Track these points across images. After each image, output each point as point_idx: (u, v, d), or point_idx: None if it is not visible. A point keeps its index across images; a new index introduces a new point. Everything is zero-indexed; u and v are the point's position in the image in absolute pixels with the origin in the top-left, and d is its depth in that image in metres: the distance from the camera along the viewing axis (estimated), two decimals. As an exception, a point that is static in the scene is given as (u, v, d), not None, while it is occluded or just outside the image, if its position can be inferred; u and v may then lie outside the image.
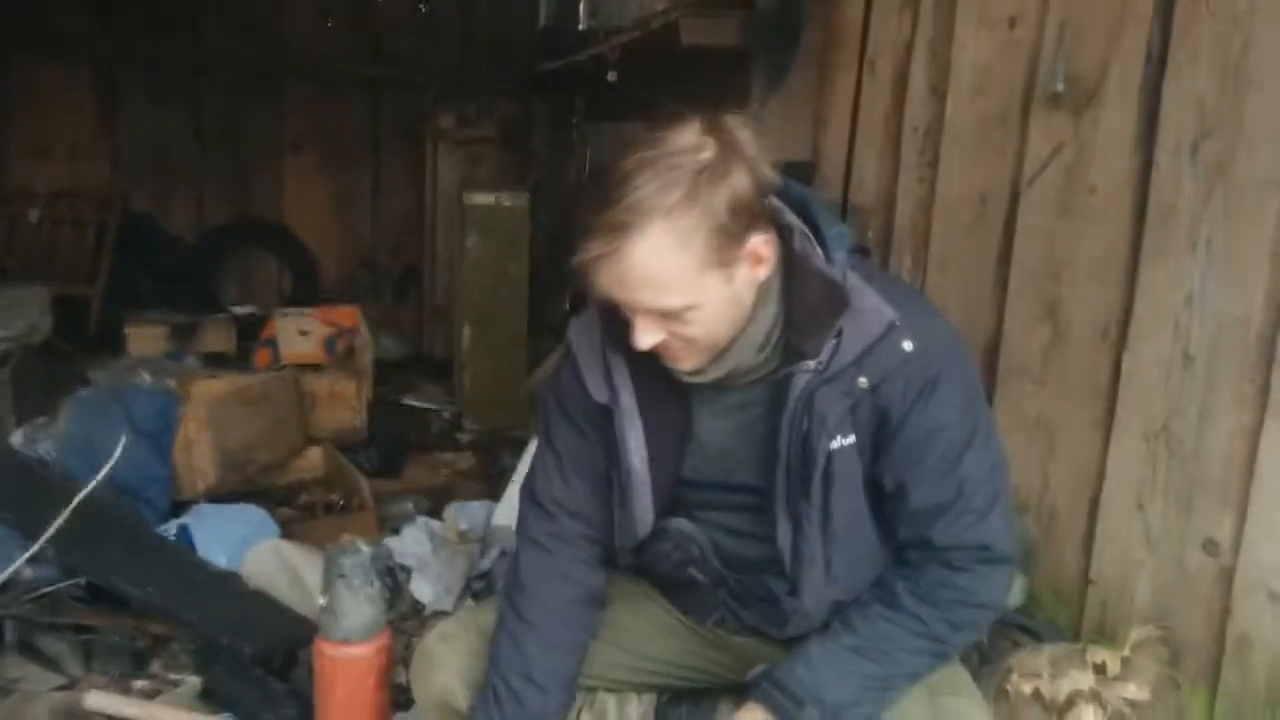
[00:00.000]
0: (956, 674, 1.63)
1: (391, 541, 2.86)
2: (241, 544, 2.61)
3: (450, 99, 5.38)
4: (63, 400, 3.08)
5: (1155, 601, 2.25)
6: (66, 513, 2.21)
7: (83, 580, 2.32)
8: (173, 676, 2.22)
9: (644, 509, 1.53)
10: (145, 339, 4.65)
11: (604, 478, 1.57)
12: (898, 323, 1.37)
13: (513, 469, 3.18)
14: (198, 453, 2.93)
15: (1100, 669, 2.03)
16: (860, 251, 1.46)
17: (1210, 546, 2.12)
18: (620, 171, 1.28)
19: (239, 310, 5.34)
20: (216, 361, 4.44)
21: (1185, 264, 2.12)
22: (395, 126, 5.89)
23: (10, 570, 2.17)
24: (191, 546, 2.63)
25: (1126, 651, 2.07)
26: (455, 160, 5.19)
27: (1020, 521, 2.54)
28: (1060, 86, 2.36)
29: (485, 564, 2.82)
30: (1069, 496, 2.47)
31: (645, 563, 1.64)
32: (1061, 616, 2.50)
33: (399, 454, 3.86)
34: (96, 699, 2.02)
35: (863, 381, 1.39)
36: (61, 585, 2.29)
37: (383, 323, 5.06)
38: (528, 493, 1.64)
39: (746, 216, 1.29)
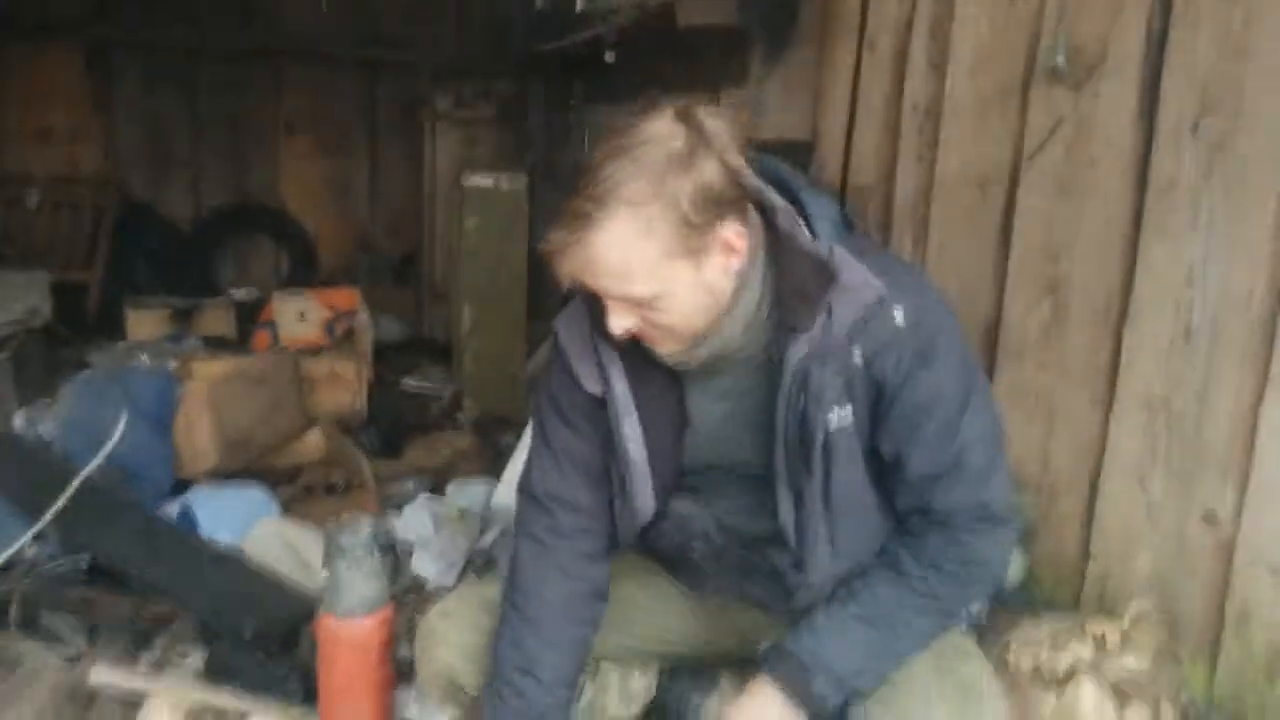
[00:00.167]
0: (963, 640, 1.64)
1: (393, 520, 2.87)
2: (243, 523, 2.62)
3: (447, 81, 5.36)
4: (63, 382, 3.08)
5: (1155, 576, 2.26)
6: (70, 491, 2.21)
7: (85, 559, 2.33)
8: (176, 654, 2.22)
9: (645, 498, 1.54)
10: (145, 322, 4.65)
11: (602, 471, 1.57)
12: (886, 295, 1.38)
13: (512, 449, 3.18)
14: (198, 433, 2.94)
15: (1100, 642, 2.04)
16: (846, 225, 1.45)
17: (1211, 521, 2.13)
18: (591, 160, 1.30)
19: (238, 294, 5.33)
20: (216, 345, 4.43)
21: (1186, 240, 2.12)
22: (392, 108, 5.87)
23: (13, 549, 2.18)
24: (193, 526, 2.63)
25: (1126, 624, 2.08)
26: (452, 142, 5.18)
27: (1020, 499, 2.55)
28: (1061, 61, 2.36)
29: (486, 541, 2.82)
30: (1069, 474, 2.48)
31: (647, 542, 1.64)
32: (1061, 593, 2.51)
33: (399, 435, 3.86)
34: (101, 674, 2.03)
35: (856, 356, 1.39)
36: (64, 564, 2.29)
37: (382, 306, 5.05)
38: (525, 488, 1.63)
39: (714, 206, 1.29)
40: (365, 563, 1.77)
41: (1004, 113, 2.57)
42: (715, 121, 1.29)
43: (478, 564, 2.75)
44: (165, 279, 5.43)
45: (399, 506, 2.99)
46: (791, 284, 1.39)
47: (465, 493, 3.11)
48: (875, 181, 3.08)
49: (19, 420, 3.03)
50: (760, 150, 1.44)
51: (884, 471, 1.50)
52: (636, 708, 1.83)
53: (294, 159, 5.91)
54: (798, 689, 1.48)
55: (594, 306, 1.47)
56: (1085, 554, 2.44)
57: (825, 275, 1.37)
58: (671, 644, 1.79)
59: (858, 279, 1.38)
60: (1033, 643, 2.09)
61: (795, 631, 1.52)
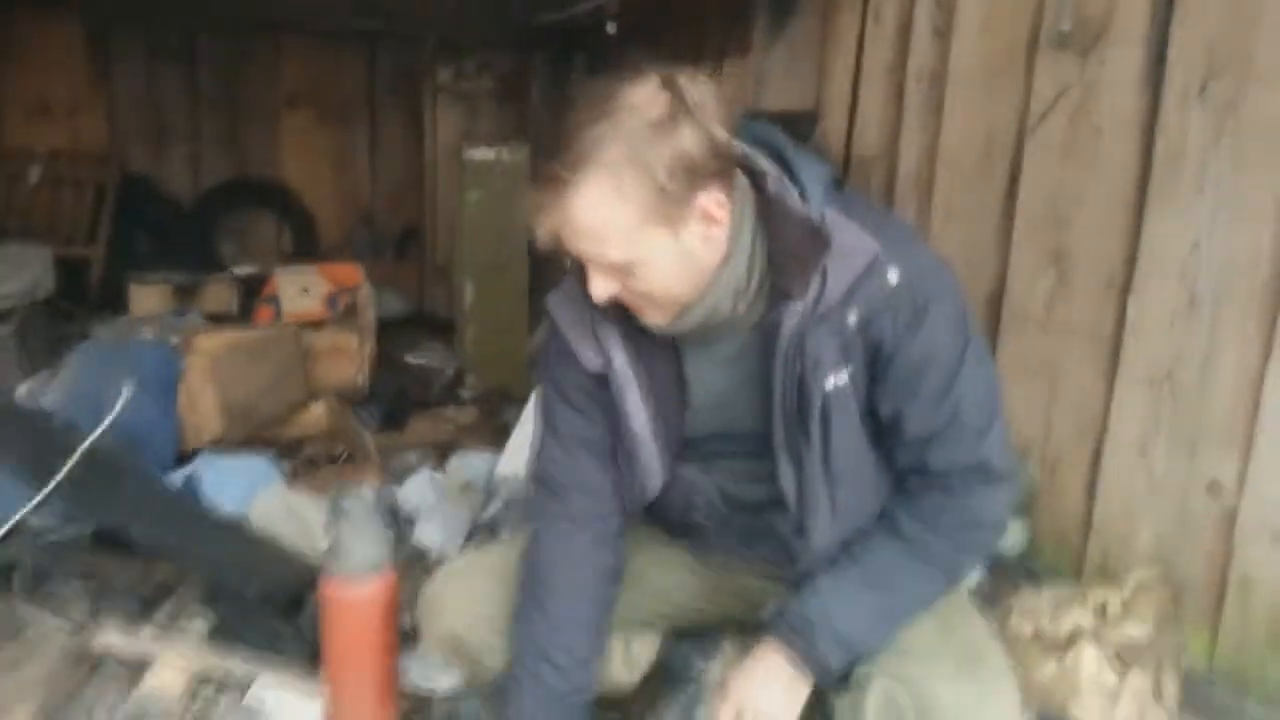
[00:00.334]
0: (966, 601, 1.64)
1: (396, 491, 2.88)
2: (247, 492, 2.62)
3: (447, 54, 5.32)
4: (66, 355, 3.08)
5: (1157, 545, 2.27)
6: (75, 458, 2.21)
7: (90, 527, 2.33)
8: (181, 620, 2.23)
9: (651, 470, 1.54)
10: (148, 297, 4.65)
11: (610, 450, 1.56)
12: (881, 255, 1.36)
13: (515, 423, 3.18)
14: (202, 403, 2.93)
15: (1101, 610, 2.04)
16: (836, 185, 1.44)
17: (1214, 489, 2.14)
18: (571, 123, 1.29)
19: (240, 270, 5.32)
20: (218, 320, 4.43)
21: (1192, 207, 2.12)
22: (392, 82, 5.84)
23: (18, 516, 2.18)
24: (197, 495, 2.63)
25: (1127, 592, 2.08)
26: (453, 115, 5.16)
27: (1023, 468, 2.55)
28: (1067, 26, 2.34)
29: (489, 513, 2.83)
30: (1072, 443, 2.48)
31: (651, 509, 1.64)
32: (1063, 562, 2.52)
33: (402, 409, 3.85)
34: (106, 639, 2.04)
35: (852, 318, 1.38)
36: (69, 531, 2.30)
37: (384, 281, 5.03)
38: (536, 477, 1.63)
39: (691, 175, 1.27)
40: (368, 526, 1.77)
41: (1009, 80, 2.56)
42: (698, 90, 1.28)
43: (480, 535, 2.75)
44: (167, 255, 5.42)
45: (402, 479, 2.99)
46: (784, 249, 1.38)
47: (468, 465, 3.11)
48: (879, 151, 3.07)
49: (22, 392, 3.03)
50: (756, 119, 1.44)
51: (882, 433, 1.49)
52: (639, 673, 1.83)
53: (294, 133, 5.89)
54: (802, 652, 1.48)
55: (585, 281, 1.47)
56: (1087, 524, 2.45)
57: (818, 239, 1.36)
58: (675, 609, 1.79)
59: (851, 241, 1.36)
60: (1034, 610, 2.10)
61: (799, 595, 1.51)
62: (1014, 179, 2.58)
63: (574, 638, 1.57)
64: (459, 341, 4.55)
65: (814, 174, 1.41)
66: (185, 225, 5.68)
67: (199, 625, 2.18)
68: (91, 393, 2.70)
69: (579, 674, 1.58)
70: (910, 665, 1.48)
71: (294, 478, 2.98)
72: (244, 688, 2.03)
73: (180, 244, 5.54)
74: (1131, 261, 2.26)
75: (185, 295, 4.80)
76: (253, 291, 4.74)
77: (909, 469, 1.49)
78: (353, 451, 3.27)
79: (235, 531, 2.46)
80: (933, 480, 1.47)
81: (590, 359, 1.50)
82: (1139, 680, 1.97)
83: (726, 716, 1.53)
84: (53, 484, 2.19)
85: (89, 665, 2.06)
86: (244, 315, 4.69)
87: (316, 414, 3.46)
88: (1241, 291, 2.03)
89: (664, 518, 1.68)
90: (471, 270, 4.33)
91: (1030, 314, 2.55)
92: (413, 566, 2.53)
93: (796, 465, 1.47)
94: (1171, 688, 2.00)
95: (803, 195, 1.38)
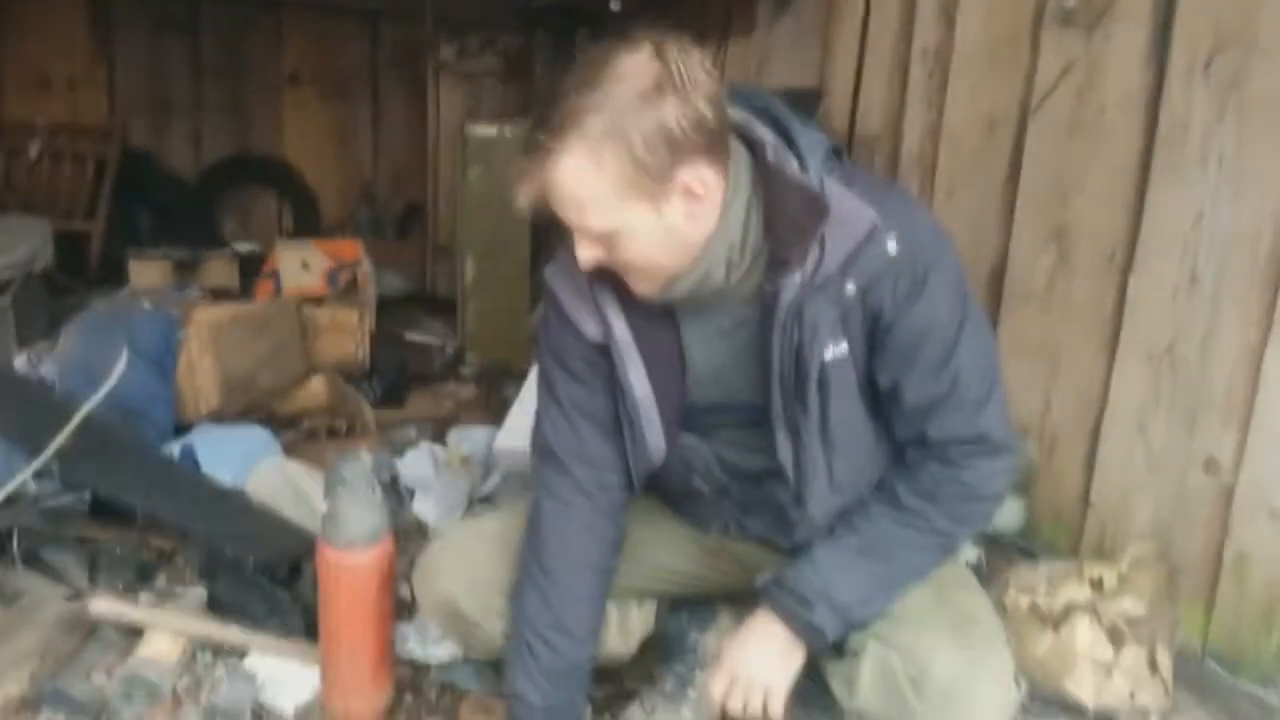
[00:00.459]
0: (962, 571, 1.64)
1: (396, 462, 2.87)
2: (245, 463, 2.61)
3: (451, 30, 5.29)
4: (64, 325, 3.08)
5: (1155, 522, 2.27)
6: (73, 424, 2.21)
7: (87, 495, 2.33)
8: (177, 589, 2.23)
9: (655, 437, 1.53)
10: (148, 273, 4.64)
11: (612, 420, 1.56)
12: (879, 224, 1.36)
13: (515, 398, 3.18)
14: (201, 374, 2.93)
15: (1097, 584, 2.04)
16: (836, 154, 1.44)
17: (1211, 466, 2.14)
18: (560, 90, 1.29)
19: (241, 247, 5.30)
20: (219, 295, 4.42)
21: (1195, 183, 2.11)
22: (395, 59, 5.81)
23: (15, 483, 2.18)
24: (195, 465, 2.63)
25: (1124, 568, 2.08)
26: (457, 94, 5.14)
27: (1022, 446, 2.55)
28: (1072, 3, 2.34)
29: (487, 487, 2.83)
30: (1071, 420, 2.48)
31: (651, 477, 1.63)
32: (1061, 539, 2.53)
33: (402, 385, 3.85)
34: (101, 606, 2.03)
35: (850, 288, 1.38)
36: (66, 499, 2.30)
37: (385, 260, 5.02)
38: (539, 447, 1.62)
39: (673, 150, 1.26)
40: (366, 494, 1.77)
41: (1014, 57, 2.55)
42: (689, 62, 1.26)
43: (479, 508, 2.76)
44: (168, 231, 5.41)
45: (401, 452, 2.98)
46: (782, 218, 1.37)
47: (467, 438, 3.11)
48: (883, 129, 3.06)
49: (20, 362, 3.03)
50: None
51: (881, 404, 1.49)
52: (635, 643, 1.84)
53: (296, 110, 5.87)
54: (797, 621, 1.48)
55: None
56: (1085, 501, 2.45)
57: (816, 208, 1.35)
58: (672, 579, 1.79)
59: (849, 210, 1.36)
60: (1030, 584, 2.10)
61: (795, 564, 1.52)
62: (1017, 157, 2.57)
63: (575, 608, 1.58)
64: (460, 317, 4.54)
65: (813, 143, 1.40)
66: (187, 201, 5.66)
67: (196, 594, 2.18)
68: (89, 362, 2.70)
69: (580, 644, 1.59)
70: (905, 633, 1.48)
71: (293, 450, 2.97)
72: (240, 655, 2.04)
73: (182, 220, 5.53)
74: (1133, 238, 2.26)
75: (185, 271, 4.79)
76: (253, 270, 4.73)
77: (908, 440, 1.50)
78: (352, 425, 3.27)
79: (233, 501, 2.46)
80: (932, 452, 1.47)
81: (590, 329, 1.50)
82: (1133, 655, 1.97)
83: (720, 684, 1.53)
84: (50, 449, 2.19)
85: (85, 631, 2.06)
86: (245, 292, 4.67)
87: (316, 388, 3.45)
88: (1243, 267, 2.03)
89: (663, 485, 1.68)
90: (473, 247, 4.32)
91: (1031, 292, 2.54)
92: (411, 538, 2.53)
93: (794, 435, 1.47)
94: (1166, 663, 2.00)
95: (801, 164, 1.38)
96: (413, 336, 4.77)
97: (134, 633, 2.04)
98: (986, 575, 2.32)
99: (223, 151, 5.83)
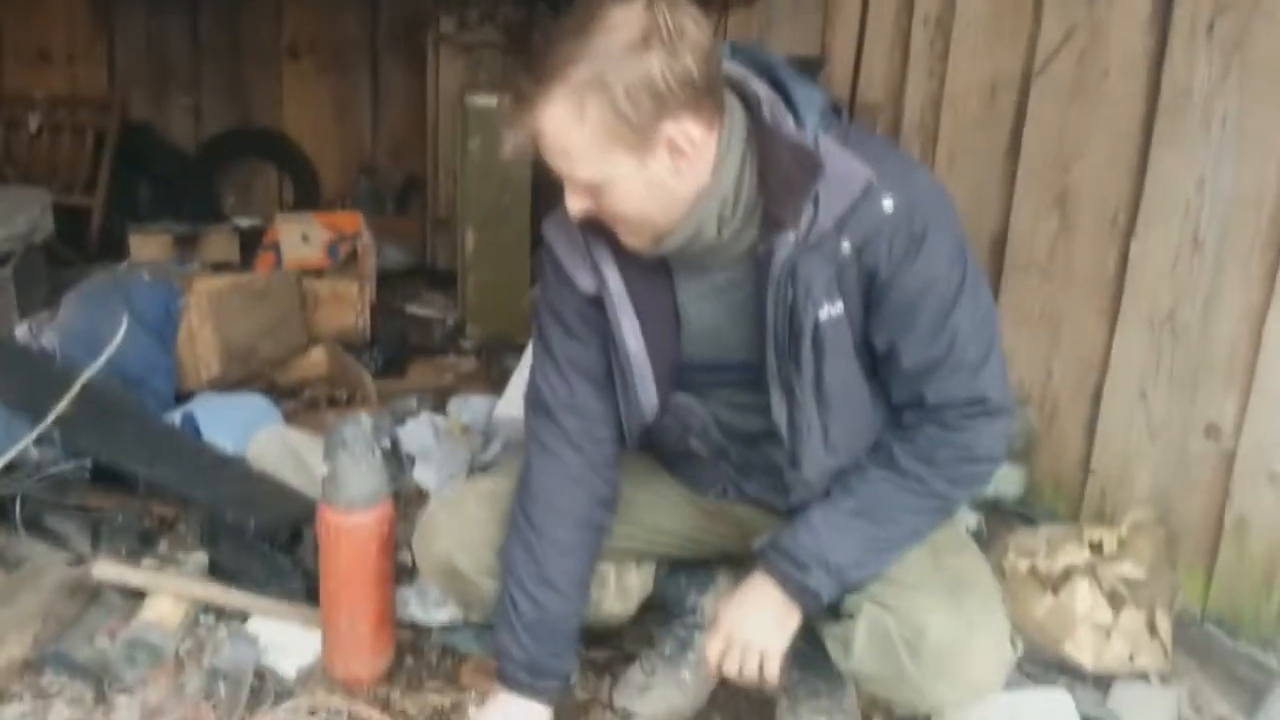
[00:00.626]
0: (958, 532, 1.64)
1: (397, 430, 2.88)
2: (246, 430, 2.62)
3: (451, 2, 5.25)
4: (64, 295, 3.08)
5: (1155, 488, 2.27)
6: (74, 390, 2.21)
7: (89, 463, 2.33)
8: (179, 555, 2.24)
9: (647, 391, 1.53)
10: (148, 246, 4.62)
11: (605, 375, 1.56)
12: (875, 182, 1.35)
13: (515, 369, 3.18)
14: (201, 343, 2.93)
15: (1097, 547, 2.05)
16: (834, 112, 1.43)
17: (1212, 431, 2.14)
18: (551, 36, 1.29)
19: (241, 222, 5.29)
20: (219, 268, 4.42)
21: (1198, 146, 2.11)
22: (395, 32, 5.76)
23: (17, 449, 2.18)
24: (196, 433, 2.64)
25: (1124, 531, 2.08)
26: (457, 66, 5.08)
27: (1022, 413, 2.55)
28: (1075, -34, 2.31)
29: (488, 455, 2.83)
30: (1072, 387, 2.48)
31: (648, 437, 1.63)
32: (1061, 506, 2.53)
33: (402, 356, 3.85)
34: (103, 569, 2.04)
35: (845, 246, 1.37)
36: (68, 466, 2.30)
37: (386, 234, 5.00)
38: (532, 401, 1.63)
39: (658, 103, 1.25)
40: (366, 455, 1.77)
41: (1016, 23, 2.54)
42: (680, 16, 1.25)
43: (478, 476, 2.76)
44: (168, 204, 5.38)
45: (402, 420, 2.99)
46: (777, 175, 1.36)
47: (467, 407, 3.11)
48: (884, 97, 3.05)
49: (20, 332, 3.03)
50: None
51: (878, 365, 1.48)
52: (633, 604, 1.85)
53: (296, 83, 5.83)
54: (793, 584, 1.49)
55: None
56: (1085, 468, 2.45)
57: (811, 166, 1.34)
58: (669, 541, 1.80)
59: (844, 168, 1.35)
60: (1029, 548, 2.10)
61: (791, 527, 1.52)
62: (1019, 124, 2.56)
63: (560, 561, 1.58)
64: (460, 289, 4.53)
65: (810, 100, 1.39)
66: (186, 174, 5.64)
67: (197, 559, 2.18)
68: (90, 331, 2.70)
69: (564, 599, 1.58)
70: (900, 595, 1.49)
71: (293, 419, 2.98)
72: (242, 619, 2.05)
73: (182, 193, 5.50)
74: (1135, 202, 2.25)
75: (186, 245, 4.78)
76: (254, 245, 4.71)
77: (905, 403, 1.49)
78: (352, 395, 3.27)
79: (234, 467, 2.47)
80: (929, 414, 1.47)
81: (585, 281, 1.50)
82: (1133, 618, 1.98)
83: (716, 647, 1.54)
84: (52, 415, 2.19)
85: (87, 595, 2.07)
86: (245, 267, 4.66)
87: (316, 358, 3.45)
88: (1246, 230, 2.02)
89: (661, 447, 1.68)
90: (473, 218, 4.30)
91: (1033, 259, 2.54)
92: (412, 505, 2.54)
93: (788, 395, 1.46)
94: (1165, 626, 2.01)
95: (798, 122, 1.37)
96: (413, 309, 4.76)
97: (136, 597, 2.05)
98: (986, 542, 2.33)
99: (222, 124, 5.79)
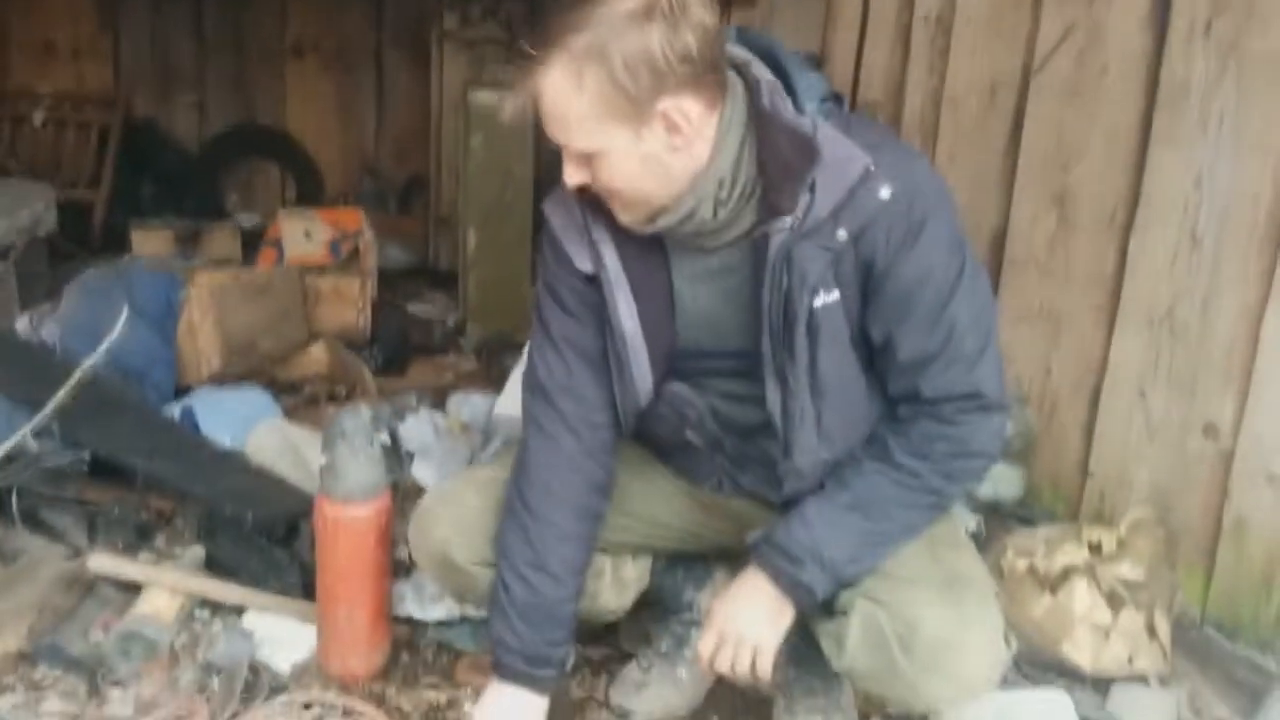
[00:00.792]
0: (952, 525, 1.63)
1: (396, 425, 2.87)
2: (245, 424, 2.61)
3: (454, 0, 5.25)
4: (65, 287, 3.08)
5: (1153, 489, 2.27)
6: (72, 382, 2.21)
7: (87, 456, 2.33)
8: (176, 549, 2.24)
9: (642, 374, 1.53)
10: (150, 242, 4.61)
11: (603, 359, 1.55)
12: (872, 169, 1.34)
13: (515, 368, 3.18)
14: (202, 336, 2.93)
15: (1095, 548, 2.04)
16: (835, 100, 1.42)
17: (1211, 431, 2.14)
18: (556, 3, 1.31)
19: (244, 220, 5.29)
20: (221, 265, 4.41)
21: (1196, 144, 2.10)
22: (398, 30, 5.77)
23: (15, 439, 2.18)
24: (195, 427, 2.64)
25: (1122, 532, 2.08)
26: (460, 63, 5.08)
27: (1021, 414, 2.55)
28: (1075, -36, 2.31)
29: (487, 453, 2.83)
30: (1071, 387, 2.48)
31: (644, 428, 1.63)
32: (1059, 507, 2.53)
33: (403, 355, 3.84)
34: (100, 562, 2.04)
35: (841, 234, 1.36)
36: (66, 459, 2.30)
37: (388, 233, 5.00)
38: (530, 383, 1.63)
39: (656, 77, 1.26)
40: (365, 447, 1.77)
41: (1015, 22, 2.54)
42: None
43: (476, 466, 2.76)
44: (171, 201, 5.39)
45: (402, 416, 2.98)
46: (775, 160, 1.36)
47: (467, 405, 3.11)
48: (885, 95, 3.04)
49: (21, 324, 3.03)
50: None
51: (875, 357, 1.48)
52: (630, 598, 1.84)
53: (300, 81, 5.83)
54: (786, 579, 1.48)
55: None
56: (1084, 469, 2.45)
57: (808, 151, 1.34)
58: (666, 534, 1.79)
59: (843, 154, 1.35)
60: (1028, 547, 2.10)
61: (785, 521, 1.51)
62: (1018, 121, 2.56)
63: (555, 546, 1.57)
64: (462, 288, 4.52)
65: (811, 87, 1.39)
66: (190, 171, 5.65)
67: (194, 554, 2.18)
68: (90, 323, 2.69)
69: (558, 584, 1.58)
70: (894, 590, 1.48)
71: (293, 415, 2.97)
72: (238, 613, 2.05)
73: (185, 190, 5.51)
74: (1134, 201, 2.25)
75: (188, 242, 4.78)
76: (256, 243, 4.71)
77: (901, 397, 1.48)
78: (352, 391, 3.27)
79: (231, 461, 2.47)
80: (925, 408, 1.46)
81: (582, 260, 1.50)
82: (1131, 619, 1.97)
83: (710, 642, 1.54)
84: (50, 406, 2.19)
85: (83, 588, 2.07)
86: (247, 264, 4.66)
87: (317, 354, 3.45)
88: (1243, 229, 2.02)
89: (656, 438, 1.67)
90: (475, 216, 4.29)
91: (1032, 258, 2.53)
92: (410, 501, 2.53)
93: (782, 382, 1.46)
94: (1164, 627, 2.00)
95: (797, 107, 1.37)
96: (414, 308, 4.75)
97: (132, 591, 2.05)
98: (985, 543, 2.32)
99: (226, 122, 5.80)
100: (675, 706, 1.87)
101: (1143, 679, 1.97)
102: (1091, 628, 1.97)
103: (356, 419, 1.77)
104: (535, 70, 1.30)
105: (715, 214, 1.39)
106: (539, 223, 1.60)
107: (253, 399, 2.84)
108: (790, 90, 1.38)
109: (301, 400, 3.22)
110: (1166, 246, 2.17)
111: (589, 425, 1.58)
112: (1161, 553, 2.11)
